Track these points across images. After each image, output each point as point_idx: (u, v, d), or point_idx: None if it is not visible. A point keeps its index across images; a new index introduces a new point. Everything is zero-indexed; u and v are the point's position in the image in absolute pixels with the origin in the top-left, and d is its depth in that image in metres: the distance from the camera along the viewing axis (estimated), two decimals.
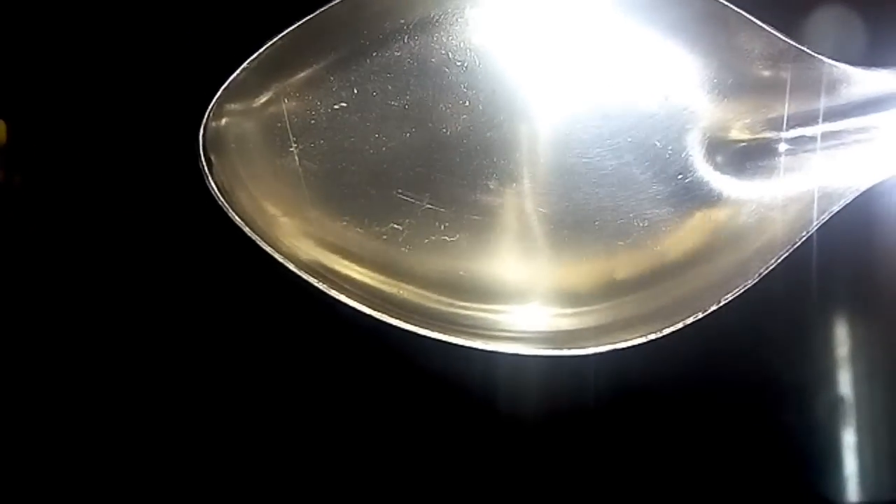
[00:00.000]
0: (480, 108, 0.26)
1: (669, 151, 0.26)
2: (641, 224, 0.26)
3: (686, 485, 0.31)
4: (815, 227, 0.24)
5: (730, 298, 0.24)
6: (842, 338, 0.32)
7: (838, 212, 0.25)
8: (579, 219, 0.26)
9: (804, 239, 0.24)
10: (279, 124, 0.25)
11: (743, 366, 0.31)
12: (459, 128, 0.26)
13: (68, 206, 0.31)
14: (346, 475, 0.31)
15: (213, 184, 0.24)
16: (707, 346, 0.28)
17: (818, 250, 0.27)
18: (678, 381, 0.30)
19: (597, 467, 0.31)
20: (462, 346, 0.24)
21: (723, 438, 0.31)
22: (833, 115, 0.25)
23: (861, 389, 0.31)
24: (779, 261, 0.24)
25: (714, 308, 0.24)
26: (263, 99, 0.25)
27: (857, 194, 0.24)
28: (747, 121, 0.26)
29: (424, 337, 0.24)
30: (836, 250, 0.28)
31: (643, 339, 0.24)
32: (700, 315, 0.24)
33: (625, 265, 0.26)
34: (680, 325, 0.24)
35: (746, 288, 0.24)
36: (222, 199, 0.24)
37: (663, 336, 0.24)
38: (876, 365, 0.32)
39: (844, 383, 0.31)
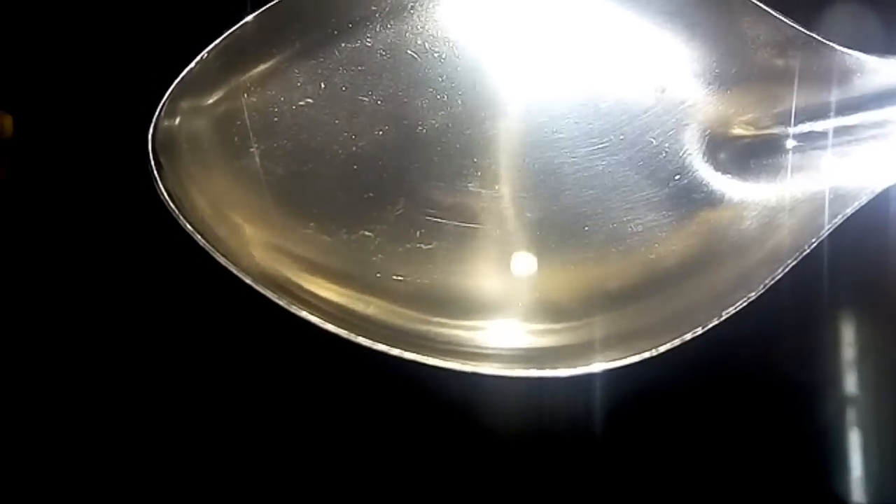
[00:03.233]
0: (459, 103, 0.25)
1: (666, 149, 0.24)
2: (635, 229, 0.25)
3: (693, 486, 0.31)
4: (827, 233, 0.23)
5: (732, 312, 0.22)
6: (850, 339, 0.31)
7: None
8: (567, 224, 0.25)
9: (813, 246, 0.22)
10: (238, 122, 0.24)
11: (750, 367, 0.30)
12: (437, 125, 0.25)
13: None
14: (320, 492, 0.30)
15: (163, 190, 0.23)
16: (714, 347, 0.27)
17: (827, 251, 0.26)
18: (684, 382, 0.29)
19: (600, 468, 0.30)
20: (436, 367, 0.22)
21: (730, 439, 0.30)
22: (845, 108, 0.23)
23: (869, 390, 0.31)
24: (786, 270, 0.22)
25: (715, 322, 0.22)
26: (221, 94, 0.24)
27: (871, 196, 0.23)
28: (751, 115, 0.24)
29: (395, 357, 0.22)
30: (845, 250, 0.26)
31: (637, 358, 0.22)
32: (699, 330, 0.22)
33: (617, 275, 0.25)
34: (677, 342, 0.22)
35: (751, 300, 0.22)
36: (174, 207, 0.23)
37: (659, 354, 0.22)
38: (884, 366, 0.31)
39: (852, 384, 0.31)
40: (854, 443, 0.30)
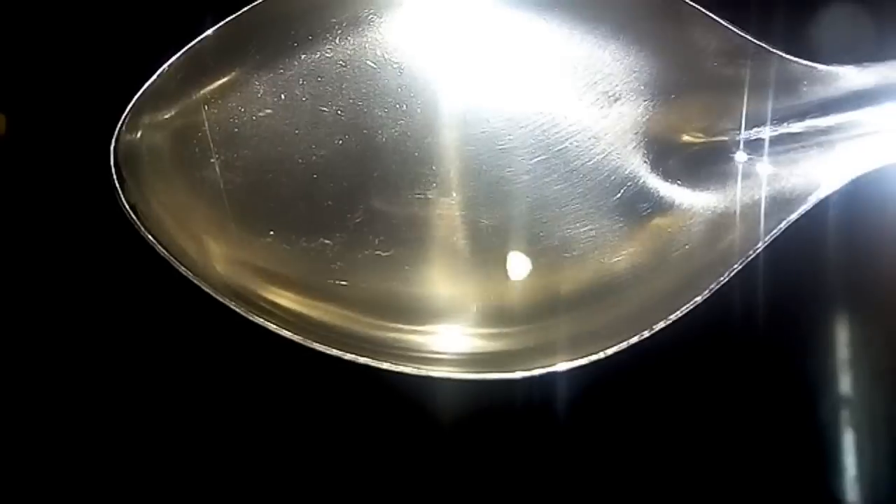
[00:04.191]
0: (418, 112, 0.25)
1: (617, 157, 0.25)
2: (587, 235, 0.25)
3: (689, 486, 0.31)
4: (773, 237, 0.23)
5: (679, 315, 0.23)
6: (845, 339, 0.31)
7: (844, 214, 0.24)
8: (520, 231, 0.25)
9: (759, 251, 0.23)
10: (199, 134, 0.24)
11: (746, 367, 0.30)
12: (395, 134, 0.25)
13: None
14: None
15: (125, 202, 0.23)
16: (709, 347, 0.28)
17: (822, 252, 0.27)
18: (681, 383, 0.30)
19: (594, 469, 0.30)
20: (392, 372, 0.23)
21: (726, 439, 0.30)
22: (792, 116, 0.24)
23: (864, 391, 0.31)
24: (731, 274, 0.23)
25: (662, 325, 0.23)
26: (181, 107, 0.24)
27: (817, 201, 0.23)
28: (700, 123, 0.25)
29: (351, 362, 0.23)
30: (839, 251, 0.27)
31: (586, 360, 0.23)
32: (646, 333, 0.23)
33: (568, 280, 0.25)
34: (625, 345, 0.23)
35: (696, 304, 0.23)
36: (134, 218, 0.23)
37: (607, 357, 0.22)
38: (879, 366, 0.31)
39: (847, 385, 0.31)
40: (849, 443, 0.30)
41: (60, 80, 0.29)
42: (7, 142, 0.30)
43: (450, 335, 0.25)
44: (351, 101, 0.25)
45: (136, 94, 0.23)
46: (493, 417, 0.28)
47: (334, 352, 0.23)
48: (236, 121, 0.25)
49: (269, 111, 0.25)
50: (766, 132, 0.24)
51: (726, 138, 0.24)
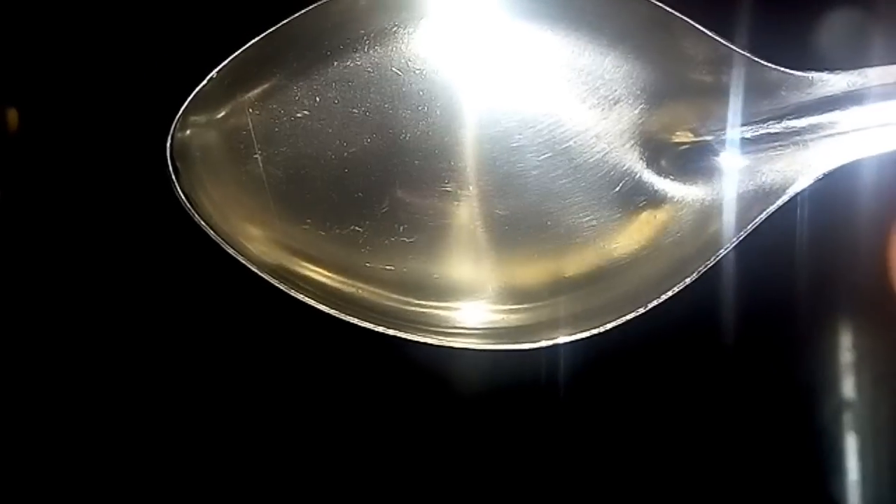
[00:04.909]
0: (437, 113, 0.27)
1: (615, 155, 0.27)
2: (589, 224, 0.27)
3: (692, 489, 0.31)
4: (753, 227, 0.25)
5: (670, 294, 0.25)
6: (847, 343, 0.32)
7: (847, 217, 0.26)
8: (530, 220, 0.27)
9: (742, 238, 0.25)
10: (243, 132, 0.26)
11: (749, 370, 0.31)
12: (417, 133, 0.27)
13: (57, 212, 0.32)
14: (307, 469, 0.32)
15: (179, 191, 0.25)
16: (713, 349, 0.30)
17: (825, 255, 0.28)
18: (684, 384, 0.31)
19: (596, 468, 0.32)
20: (416, 342, 0.25)
21: (728, 442, 0.31)
22: (771, 118, 0.25)
23: (866, 394, 0.31)
24: (717, 259, 0.25)
25: (655, 303, 0.25)
26: (228, 109, 0.26)
27: (793, 194, 0.25)
28: (689, 125, 0.26)
29: (380, 334, 0.25)
30: (842, 255, 0.28)
31: (587, 334, 0.25)
32: (641, 310, 0.25)
33: (573, 263, 0.27)
34: (622, 321, 0.25)
35: (686, 285, 0.25)
36: (189, 206, 0.25)
37: (606, 330, 0.25)
38: (881, 370, 0.32)
39: (849, 388, 0.32)
40: (851, 446, 0.31)
41: (123, 85, 0.31)
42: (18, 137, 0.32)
43: (466, 311, 0.27)
44: (378, 103, 0.26)
45: (187, 97, 0.25)
46: (505, 385, 0.29)
47: (365, 324, 0.25)
48: (276, 121, 0.26)
49: (305, 112, 0.26)
50: (748, 132, 0.26)
51: (712, 138, 0.26)
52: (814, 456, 0.32)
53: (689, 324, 0.26)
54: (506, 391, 0.30)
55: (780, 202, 0.25)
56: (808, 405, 0.32)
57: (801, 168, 0.25)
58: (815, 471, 0.32)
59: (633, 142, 0.27)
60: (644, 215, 0.27)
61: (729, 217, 0.26)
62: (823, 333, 0.32)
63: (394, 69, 0.26)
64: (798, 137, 0.25)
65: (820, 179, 0.25)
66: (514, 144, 0.27)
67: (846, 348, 0.31)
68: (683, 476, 0.32)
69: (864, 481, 0.31)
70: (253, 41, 0.25)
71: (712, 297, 0.27)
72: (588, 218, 0.27)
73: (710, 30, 0.25)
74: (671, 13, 0.25)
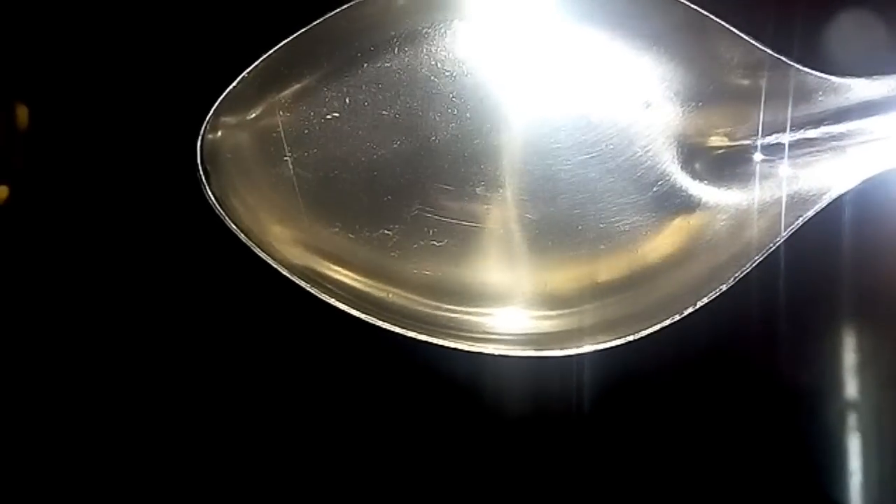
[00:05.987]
0: (468, 116, 0.26)
1: (649, 158, 0.26)
2: (622, 229, 0.27)
3: (694, 489, 0.31)
4: (789, 233, 0.25)
5: (705, 302, 0.25)
6: (851, 344, 0.32)
7: (851, 219, 0.25)
8: (563, 224, 0.27)
9: (778, 244, 0.25)
10: (274, 134, 0.26)
11: (753, 371, 0.31)
12: (447, 136, 0.26)
13: (69, 210, 0.32)
14: (333, 473, 0.32)
15: (210, 193, 0.25)
16: (716, 351, 0.30)
17: (830, 257, 0.28)
18: (687, 386, 0.31)
19: (600, 470, 0.32)
20: (446, 348, 0.25)
21: (731, 443, 0.31)
22: (807, 123, 0.25)
23: (870, 396, 0.31)
24: (753, 265, 0.25)
25: (689, 311, 0.25)
26: (258, 110, 0.26)
27: (829, 201, 0.25)
28: (724, 129, 0.26)
29: (411, 339, 0.25)
30: (846, 257, 0.28)
31: (622, 341, 0.25)
32: (676, 317, 0.25)
33: (606, 269, 0.27)
34: (657, 328, 0.25)
35: (721, 292, 0.25)
36: (219, 208, 0.25)
37: (641, 338, 0.24)
38: (885, 371, 0.32)
39: (853, 389, 0.31)
40: (854, 448, 0.31)
41: (155, 86, 0.31)
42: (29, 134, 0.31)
43: (498, 317, 0.27)
44: (408, 106, 0.26)
45: (218, 98, 0.25)
46: (535, 391, 0.29)
47: (395, 329, 0.25)
48: (306, 123, 0.26)
49: (335, 115, 0.26)
50: (785, 137, 0.25)
51: (748, 142, 0.26)
52: (818, 458, 0.32)
53: (688, 327, 0.25)
54: (534, 397, 0.30)
55: (816, 208, 0.25)
56: (813, 407, 0.32)
57: (838, 174, 0.25)
58: (819, 473, 0.32)
59: (667, 145, 0.27)
60: (678, 220, 0.27)
61: (764, 223, 0.26)
62: (828, 335, 0.31)
63: (424, 71, 0.26)
64: (835, 143, 0.25)
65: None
66: (546, 147, 0.27)
67: (851, 350, 0.31)
68: (687, 476, 0.31)
69: (869, 484, 0.31)
70: (284, 42, 0.25)
71: (718, 298, 0.26)
72: (621, 222, 0.27)
73: (747, 34, 0.25)
74: (707, 16, 0.25)
